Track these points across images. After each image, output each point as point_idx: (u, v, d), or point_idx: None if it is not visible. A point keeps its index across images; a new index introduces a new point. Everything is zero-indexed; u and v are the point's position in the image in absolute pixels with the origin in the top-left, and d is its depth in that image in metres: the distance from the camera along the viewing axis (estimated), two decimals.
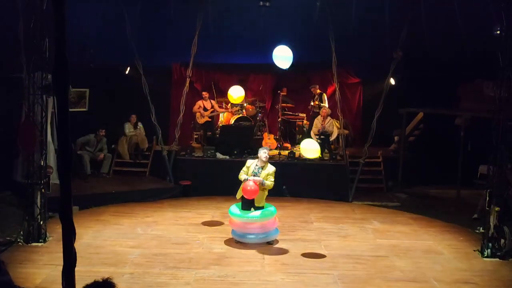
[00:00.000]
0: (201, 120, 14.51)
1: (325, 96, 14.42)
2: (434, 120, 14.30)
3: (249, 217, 8.60)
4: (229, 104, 14.78)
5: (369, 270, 7.67)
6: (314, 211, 11.19)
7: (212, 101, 14.64)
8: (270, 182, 8.64)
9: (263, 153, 8.72)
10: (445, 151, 13.30)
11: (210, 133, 14.47)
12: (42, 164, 8.61)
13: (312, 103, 14.47)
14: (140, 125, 13.75)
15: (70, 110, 3.04)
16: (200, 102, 14.48)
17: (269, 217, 8.73)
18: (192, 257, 8.06)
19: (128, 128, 13.69)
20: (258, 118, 14.91)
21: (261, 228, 8.66)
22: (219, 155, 13.08)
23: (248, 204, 8.70)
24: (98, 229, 9.45)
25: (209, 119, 14.54)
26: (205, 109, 14.47)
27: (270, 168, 8.73)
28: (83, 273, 6.21)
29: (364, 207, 11.91)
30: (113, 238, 8.94)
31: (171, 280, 7.08)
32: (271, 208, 8.87)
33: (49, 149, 8.85)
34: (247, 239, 8.71)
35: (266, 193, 8.82)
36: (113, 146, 13.65)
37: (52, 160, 10.64)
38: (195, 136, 14.83)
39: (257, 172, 8.69)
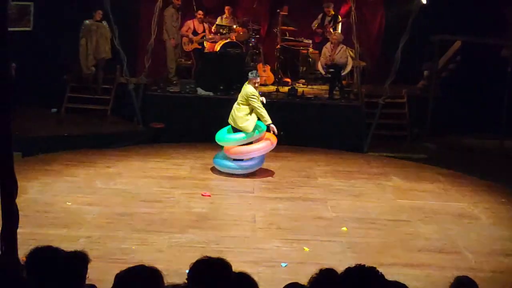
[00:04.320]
0: (188, 47, 14.37)
1: (340, 20, 14.33)
2: (474, 50, 14.18)
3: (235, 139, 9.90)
4: (213, 26, 14.60)
5: (386, 238, 7.76)
6: (319, 164, 11.28)
7: (206, 24, 14.47)
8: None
9: (254, 79, 9.87)
10: (487, 91, 13.31)
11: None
12: None
13: (315, 24, 14.32)
14: (105, 23, 13.24)
15: (10, 29, 2.97)
16: (189, 23, 14.28)
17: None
18: (165, 218, 8.12)
19: (90, 25, 13.28)
20: (250, 45, 14.79)
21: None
22: (201, 91, 13.05)
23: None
24: (47, 181, 9.47)
25: (199, 47, 14.42)
26: (195, 33, 14.30)
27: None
28: (27, 236, 6.29)
29: (382, 160, 12.00)
30: (66, 193, 8.96)
31: (140, 246, 7.14)
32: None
33: None
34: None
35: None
36: (64, 77, 13.54)
37: None
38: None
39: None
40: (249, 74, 10.20)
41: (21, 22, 13.40)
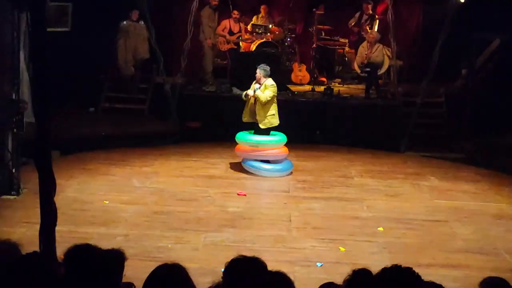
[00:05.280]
0: (224, 47, 14.42)
1: (377, 18, 14.32)
2: None
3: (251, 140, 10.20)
4: (249, 25, 14.63)
5: (423, 238, 7.71)
6: (355, 164, 11.27)
7: (242, 24, 14.52)
8: (260, 93, 9.93)
9: (257, 72, 10.10)
10: None
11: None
12: (13, 97, 8.60)
13: (352, 22, 14.27)
14: (142, 23, 13.46)
15: (48, 29, 3.02)
16: (225, 23, 14.35)
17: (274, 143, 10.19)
18: (201, 217, 8.16)
19: (127, 26, 13.47)
20: (286, 44, 14.83)
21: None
22: (236, 91, 12.98)
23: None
24: (85, 180, 9.58)
25: (235, 46, 14.47)
26: (231, 33, 14.36)
27: (267, 82, 10.05)
28: (66, 234, 6.33)
29: (419, 159, 11.96)
30: (103, 191, 9.05)
31: (175, 244, 7.18)
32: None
33: (22, 79, 8.85)
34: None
35: (266, 106, 10.07)
36: (102, 76, 13.72)
37: (26, 92, 10.69)
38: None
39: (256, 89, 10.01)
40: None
41: (59, 22, 13.53)
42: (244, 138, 10.34)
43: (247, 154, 10.37)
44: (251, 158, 10.33)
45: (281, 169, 10.41)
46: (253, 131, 10.34)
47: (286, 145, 10.51)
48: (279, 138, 10.38)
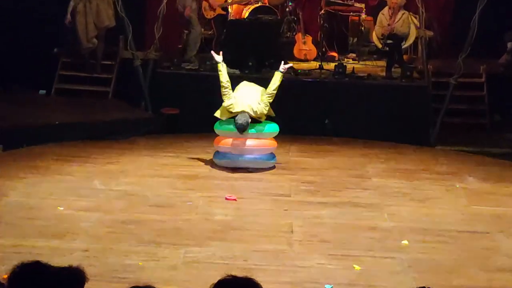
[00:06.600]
0: (208, 14, 14.43)
1: None
2: None
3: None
4: None
5: (458, 254, 7.68)
6: (374, 161, 11.29)
7: None
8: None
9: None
10: None
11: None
12: None
13: None
14: None
15: None
16: None
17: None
18: (180, 227, 8.14)
19: None
20: (287, 9, 14.86)
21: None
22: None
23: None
24: (33, 181, 9.56)
25: (223, 12, 14.53)
26: None
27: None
28: (10, 249, 6.44)
29: (454, 155, 11.96)
30: (57, 195, 9.02)
31: (148, 262, 7.15)
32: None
33: None
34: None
35: None
36: (55, 50, 13.71)
37: None
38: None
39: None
40: None
41: None
42: (228, 127, 10.40)
43: (232, 148, 10.42)
44: (235, 153, 10.42)
45: (266, 158, 10.58)
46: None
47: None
48: (272, 126, 10.51)
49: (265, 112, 10.29)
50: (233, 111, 10.20)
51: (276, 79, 10.31)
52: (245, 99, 10.24)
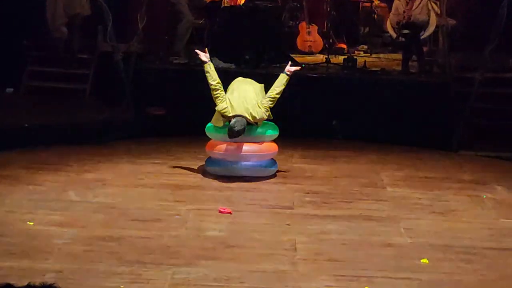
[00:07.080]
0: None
1: None
2: None
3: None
4: None
5: (485, 274, 7.54)
6: (388, 168, 11.30)
7: None
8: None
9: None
10: None
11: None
12: None
13: None
14: None
15: None
16: None
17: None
18: (167, 244, 8.03)
19: None
20: None
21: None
22: (218, 63, 12.98)
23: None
24: (0, 192, 9.54)
25: None
26: None
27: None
28: None
29: (479, 161, 12.00)
30: (26, 208, 8.97)
31: (131, 284, 7.00)
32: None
33: None
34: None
35: None
36: (24, 42, 13.86)
37: None
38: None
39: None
40: None
41: None
42: (222, 130, 10.30)
43: (226, 154, 10.33)
44: (230, 160, 10.37)
45: (266, 165, 10.53)
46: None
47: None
48: (272, 128, 10.44)
49: (265, 117, 10.19)
50: (229, 115, 10.05)
51: (281, 82, 10.21)
52: (242, 102, 10.14)
